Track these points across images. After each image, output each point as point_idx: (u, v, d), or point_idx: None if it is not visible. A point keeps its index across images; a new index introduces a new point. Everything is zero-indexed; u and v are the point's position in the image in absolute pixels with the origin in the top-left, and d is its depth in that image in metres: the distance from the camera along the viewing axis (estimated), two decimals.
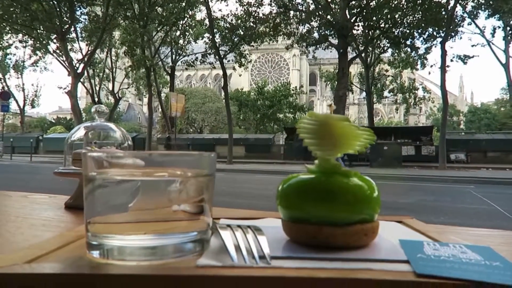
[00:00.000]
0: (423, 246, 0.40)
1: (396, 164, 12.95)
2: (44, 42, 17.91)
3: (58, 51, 17.79)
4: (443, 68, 13.53)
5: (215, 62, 16.53)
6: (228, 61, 17.03)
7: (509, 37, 17.95)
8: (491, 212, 5.22)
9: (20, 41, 20.01)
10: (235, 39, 15.66)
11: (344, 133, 0.41)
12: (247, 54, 16.54)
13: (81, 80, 18.01)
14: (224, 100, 17.90)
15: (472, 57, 15.26)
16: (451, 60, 15.83)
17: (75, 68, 15.74)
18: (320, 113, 0.42)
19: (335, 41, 13.77)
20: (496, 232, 0.57)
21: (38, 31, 16.70)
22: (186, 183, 0.37)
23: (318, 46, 15.13)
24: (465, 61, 15.04)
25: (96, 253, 0.36)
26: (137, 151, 0.37)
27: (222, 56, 15.63)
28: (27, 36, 18.27)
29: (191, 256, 0.35)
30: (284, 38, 15.53)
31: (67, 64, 15.85)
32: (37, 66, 23.00)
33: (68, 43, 17.15)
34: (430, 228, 0.52)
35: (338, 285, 0.30)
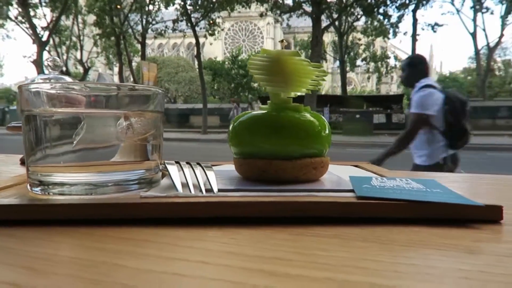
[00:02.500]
0: (371, 180, 0.40)
1: (368, 131, 13.23)
2: (3, 6, 16.82)
3: (20, 17, 16.78)
4: (414, 37, 13.69)
5: (187, 29, 16.06)
6: (201, 29, 16.58)
7: (477, 6, 18.22)
8: None
9: None
10: (207, 5, 15.20)
11: (296, 70, 0.40)
12: (220, 22, 16.15)
13: (47, 48, 17.15)
14: (197, 70, 17.56)
15: (442, 25, 15.47)
16: (422, 29, 16.00)
17: (40, 36, 14.94)
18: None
19: (309, 9, 13.60)
20: (451, 174, 0.60)
21: None
22: (132, 119, 0.36)
23: (292, 13, 14.91)
24: (435, 29, 15.24)
25: (37, 189, 0.35)
26: (80, 81, 0.36)
27: (194, 23, 15.18)
28: None
29: (136, 192, 0.34)
30: (258, 4, 15.19)
31: (30, 31, 15.02)
32: None
33: (30, 9, 16.18)
34: (385, 170, 0.53)
35: (280, 207, 0.30)
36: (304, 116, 0.39)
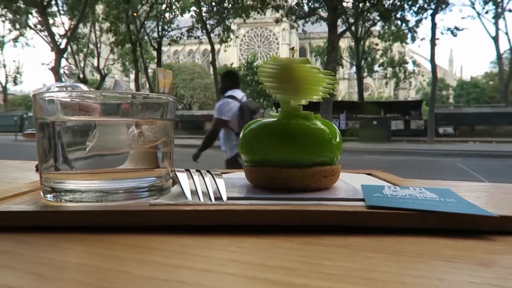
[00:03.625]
0: (383, 189, 0.40)
1: (385, 138, 13.09)
2: (23, 15, 17.35)
3: (39, 25, 17.28)
4: (433, 41, 13.52)
5: (202, 36, 16.25)
6: (216, 35, 16.75)
7: (499, 10, 17.91)
8: None
9: None
10: (222, 12, 15.36)
11: (306, 77, 0.40)
12: (236, 28, 16.29)
13: (65, 56, 17.59)
14: (213, 76, 17.71)
15: (462, 29, 15.23)
16: (441, 33, 15.78)
17: (58, 43, 15.33)
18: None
19: (324, 14, 13.60)
20: (467, 183, 0.58)
21: (17, 4, 16.13)
22: (143, 126, 0.37)
23: (307, 19, 14.94)
24: (455, 33, 15.02)
25: (50, 196, 0.35)
26: (92, 90, 0.37)
27: (209, 30, 15.36)
28: (6, 9, 17.64)
29: (146, 200, 0.35)
30: (273, 11, 15.28)
31: (49, 39, 15.43)
32: (18, 41, 22.33)
33: (49, 17, 16.64)
34: (399, 179, 0.53)
35: (288, 216, 0.30)
36: (315, 123, 0.40)
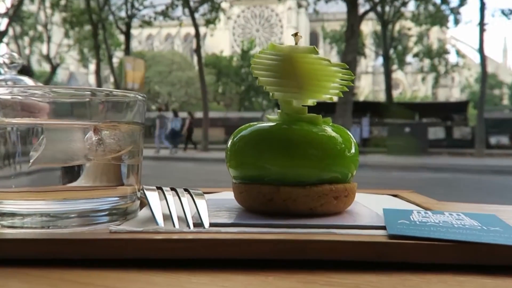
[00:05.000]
0: (411, 214, 0.41)
1: (420, 150, 13.10)
2: None
3: None
4: (482, 26, 13.64)
5: (183, 16, 16.32)
6: (202, 15, 16.84)
7: None
8: None
9: None
10: None
11: (313, 71, 0.41)
12: (227, 7, 16.41)
13: (5, 40, 17.63)
14: (197, 68, 17.74)
15: None
16: (492, 16, 15.93)
17: None
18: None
19: None
20: None
21: None
22: (104, 132, 0.38)
23: None
24: (510, 17, 15.17)
25: None
26: (39, 84, 0.37)
27: (193, 9, 15.45)
28: None
29: (105, 226, 0.35)
30: None
31: None
32: None
33: None
34: (432, 202, 0.54)
35: (288, 247, 0.30)
36: (323, 130, 0.40)
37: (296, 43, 0.43)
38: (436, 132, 16.02)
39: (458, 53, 23.45)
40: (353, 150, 0.41)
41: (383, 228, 0.35)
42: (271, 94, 0.42)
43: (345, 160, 0.40)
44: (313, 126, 0.40)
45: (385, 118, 15.60)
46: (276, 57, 0.42)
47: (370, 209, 0.43)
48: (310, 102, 0.44)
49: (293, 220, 0.37)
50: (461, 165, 10.55)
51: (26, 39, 21.90)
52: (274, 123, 0.41)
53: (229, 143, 0.43)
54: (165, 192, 0.39)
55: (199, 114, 17.32)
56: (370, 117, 15.64)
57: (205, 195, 0.41)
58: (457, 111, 17.77)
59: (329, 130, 0.41)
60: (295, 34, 0.43)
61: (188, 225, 0.34)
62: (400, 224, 0.36)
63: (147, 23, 17.71)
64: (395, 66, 21.88)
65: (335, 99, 0.44)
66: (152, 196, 0.38)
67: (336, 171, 0.40)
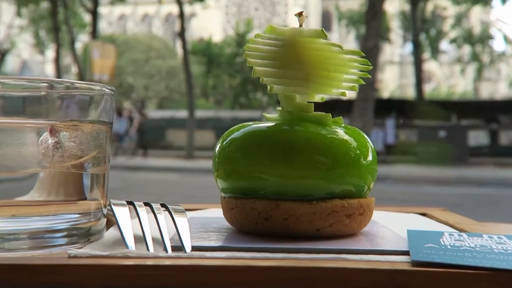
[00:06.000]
0: (441, 236, 0.41)
1: (458, 159, 13.09)
2: None
3: None
4: None
5: None
6: None
7: None
8: None
9: None
10: None
11: (321, 59, 0.42)
12: None
13: None
14: (181, 56, 17.71)
15: None
16: None
17: None
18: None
19: None
20: None
21: None
22: (63, 133, 0.38)
23: None
24: None
25: None
26: None
27: None
28: None
29: (63, 249, 0.36)
30: None
31: None
32: None
33: None
34: (469, 222, 0.54)
35: (289, 276, 0.31)
36: (334, 132, 0.41)
37: (300, 25, 0.43)
38: (478, 137, 15.98)
39: (505, 39, 23.45)
40: (370, 157, 0.41)
41: (406, 253, 0.36)
42: (269, 87, 0.42)
43: (360, 169, 0.40)
44: (320, 127, 0.41)
45: (415, 119, 15.56)
46: (276, 42, 0.42)
47: (391, 230, 0.44)
48: (318, 97, 0.44)
49: (295, 243, 0.37)
50: (509, 179, 10.51)
51: None
52: (273, 123, 0.42)
53: (217, 147, 0.43)
54: (138, 208, 0.39)
55: (182, 113, 17.27)
56: (396, 118, 15.61)
57: (188, 212, 0.41)
58: (505, 111, 17.70)
59: (340, 133, 0.41)
60: (299, 14, 0.44)
61: (165, 249, 0.35)
62: (427, 248, 0.36)
63: (119, 0, 17.70)
64: (427, 55, 21.86)
65: (349, 94, 0.44)
66: (122, 213, 0.38)
67: (349, 183, 0.40)
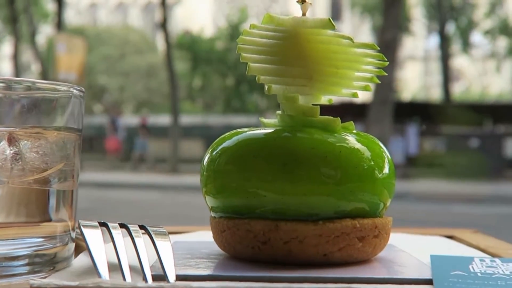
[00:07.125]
0: (471, 263, 0.41)
1: (492, 172, 13.08)
2: None
3: None
4: None
5: None
6: None
7: None
8: None
9: None
10: None
11: (328, 54, 0.42)
12: None
13: None
14: (162, 51, 17.70)
15: None
16: None
17: None
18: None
19: None
20: None
21: None
22: (23, 142, 0.38)
23: None
24: None
25: None
26: None
27: None
28: None
29: (23, 279, 0.36)
30: None
31: None
32: None
33: None
34: (504, 245, 0.54)
35: None
36: (343, 140, 0.41)
37: (303, 14, 0.44)
38: None
39: None
40: (386, 170, 0.42)
41: (429, 282, 0.36)
42: (266, 87, 0.42)
43: (374, 183, 0.41)
44: (328, 135, 0.41)
45: (442, 126, 15.56)
46: (275, 34, 0.42)
47: (411, 255, 0.44)
48: (324, 99, 0.44)
49: (298, 271, 0.37)
50: None
51: None
52: (272, 130, 0.42)
53: (206, 159, 0.43)
54: (112, 231, 0.39)
55: (164, 119, 17.27)
56: (419, 124, 15.61)
57: (171, 235, 0.42)
58: None
59: (351, 140, 0.41)
60: (302, 1, 0.44)
61: (144, 278, 0.35)
62: (453, 276, 0.37)
63: None
64: (455, 49, 21.86)
65: (362, 95, 0.45)
66: (93, 236, 0.38)
67: (361, 200, 0.40)
